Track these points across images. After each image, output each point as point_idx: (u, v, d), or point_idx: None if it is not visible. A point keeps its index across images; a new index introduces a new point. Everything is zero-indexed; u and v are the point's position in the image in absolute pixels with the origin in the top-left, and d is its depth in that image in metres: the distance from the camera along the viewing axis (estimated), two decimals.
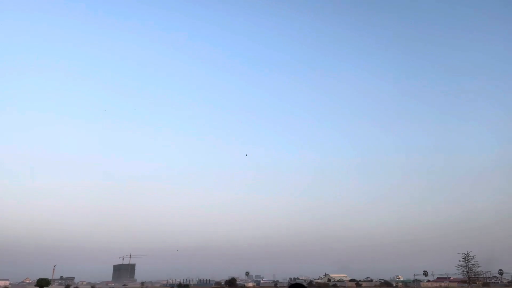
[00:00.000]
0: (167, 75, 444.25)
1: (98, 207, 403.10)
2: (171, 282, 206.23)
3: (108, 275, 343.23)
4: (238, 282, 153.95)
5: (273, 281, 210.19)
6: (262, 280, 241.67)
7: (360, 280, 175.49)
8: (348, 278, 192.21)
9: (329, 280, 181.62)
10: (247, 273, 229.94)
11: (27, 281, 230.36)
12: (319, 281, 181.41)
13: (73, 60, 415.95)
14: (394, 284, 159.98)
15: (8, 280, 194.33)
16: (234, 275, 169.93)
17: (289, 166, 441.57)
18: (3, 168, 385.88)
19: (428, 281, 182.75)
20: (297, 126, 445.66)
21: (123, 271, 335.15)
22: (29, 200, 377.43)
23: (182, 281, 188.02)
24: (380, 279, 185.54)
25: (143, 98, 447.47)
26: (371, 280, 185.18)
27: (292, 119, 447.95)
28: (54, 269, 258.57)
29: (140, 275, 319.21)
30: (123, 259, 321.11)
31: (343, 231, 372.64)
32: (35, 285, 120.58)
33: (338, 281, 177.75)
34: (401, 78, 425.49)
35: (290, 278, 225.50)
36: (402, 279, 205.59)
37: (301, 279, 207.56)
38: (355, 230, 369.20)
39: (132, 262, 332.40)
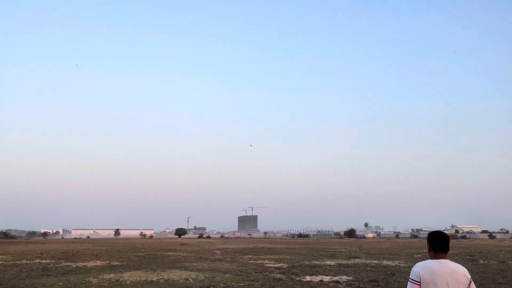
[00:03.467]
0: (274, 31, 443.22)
1: (223, 164, 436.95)
2: (291, 232, 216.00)
3: (234, 225, 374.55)
4: (357, 233, 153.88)
5: (394, 232, 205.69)
6: (382, 231, 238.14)
7: (493, 232, 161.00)
8: (479, 230, 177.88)
9: (456, 231, 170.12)
10: (366, 224, 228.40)
11: (168, 231, 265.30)
12: (445, 232, 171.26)
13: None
14: None
15: (152, 229, 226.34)
16: (353, 226, 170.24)
17: (409, 115, 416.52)
18: (147, 132, 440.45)
19: None
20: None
21: (247, 222, 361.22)
22: (167, 160, 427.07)
23: (301, 231, 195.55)
24: None
25: (253, 63, 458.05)
26: (507, 232, 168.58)
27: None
28: (188, 220, 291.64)
29: (262, 225, 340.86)
30: (246, 211, 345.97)
31: (472, 179, 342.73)
32: (174, 234, 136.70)
33: (467, 232, 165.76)
34: None
35: (412, 230, 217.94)
36: None
37: (425, 230, 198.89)
38: (485, 177, 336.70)
39: (254, 214, 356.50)
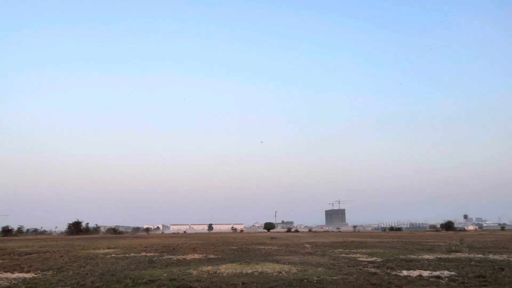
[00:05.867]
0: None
1: (310, 159, 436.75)
2: (382, 225, 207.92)
3: (321, 219, 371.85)
4: (455, 226, 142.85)
5: (499, 224, 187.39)
6: (485, 224, 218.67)
7: None
8: None
9: None
10: (465, 216, 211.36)
11: (257, 225, 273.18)
12: None
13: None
14: None
15: (242, 224, 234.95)
16: (450, 218, 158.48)
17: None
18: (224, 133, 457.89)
19: None
20: None
21: (334, 215, 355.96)
22: (254, 157, 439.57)
23: (393, 225, 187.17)
24: None
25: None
26: None
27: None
28: (276, 214, 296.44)
29: (350, 219, 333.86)
30: (332, 205, 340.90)
31: None
32: (263, 228, 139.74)
33: None
34: None
35: None
36: None
37: None
38: None
39: (341, 207, 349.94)
